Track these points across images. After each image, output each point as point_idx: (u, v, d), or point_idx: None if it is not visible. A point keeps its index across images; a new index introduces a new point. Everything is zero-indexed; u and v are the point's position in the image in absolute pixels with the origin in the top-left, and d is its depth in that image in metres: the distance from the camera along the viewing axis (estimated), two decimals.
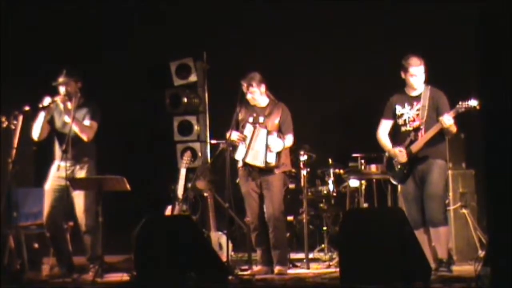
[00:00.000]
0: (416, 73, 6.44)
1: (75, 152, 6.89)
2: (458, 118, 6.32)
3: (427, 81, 6.51)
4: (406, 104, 6.52)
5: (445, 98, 6.45)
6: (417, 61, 6.43)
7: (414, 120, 6.46)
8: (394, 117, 6.58)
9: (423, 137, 6.38)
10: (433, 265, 6.10)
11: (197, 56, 9.06)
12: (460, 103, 6.23)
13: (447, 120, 6.24)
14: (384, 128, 6.65)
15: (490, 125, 4.07)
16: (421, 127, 6.41)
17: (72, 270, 6.88)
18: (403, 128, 6.53)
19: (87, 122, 6.97)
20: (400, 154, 6.47)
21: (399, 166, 6.52)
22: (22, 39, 8.81)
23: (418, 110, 6.44)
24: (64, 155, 6.77)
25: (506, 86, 3.96)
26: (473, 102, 6.14)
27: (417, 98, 6.49)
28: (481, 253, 6.79)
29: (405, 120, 6.52)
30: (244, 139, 6.87)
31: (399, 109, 6.55)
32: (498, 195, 4.01)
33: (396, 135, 6.59)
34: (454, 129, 6.34)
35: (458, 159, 7.54)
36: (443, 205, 6.49)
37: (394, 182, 6.86)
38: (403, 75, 6.51)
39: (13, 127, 6.83)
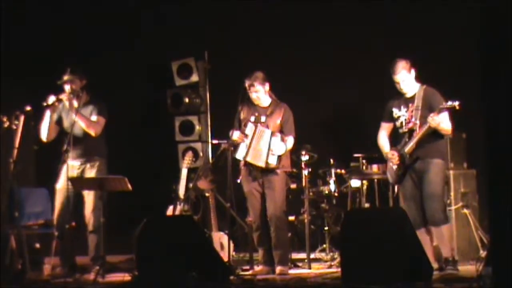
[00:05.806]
0: (397, 80, 6.45)
1: (85, 150, 6.93)
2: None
3: (423, 81, 6.49)
4: (402, 107, 6.53)
5: (438, 96, 6.40)
6: (396, 68, 6.41)
7: (409, 122, 6.47)
8: (393, 119, 6.60)
9: (414, 138, 6.38)
10: (435, 265, 6.10)
11: (198, 56, 9.05)
12: (443, 103, 6.23)
13: (431, 120, 6.24)
14: (384, 131, 6.69)
15: (492, 125, 4.07)
16: (415, 128, 6.41)
17: (74, 270, 6.88)
18: (400, 130, 6.55)
19: (94, 117, 7.00)
20: (392, 157, 6.50)
21: (394, 168, 6.54)
22: (22, 39, 8.81)
23: (412, 111, 6.44)
24: (66, 154, 6.79)
25: (508, 85, 3.96)
26: (454, 102, 6.12)
27: (412, 99, 6.48)
28: (483, 253, 6.79)
29: (401, 122, 6.53)
30: (245, 137, 6.86)
31: (395, 112, 6.57)
32: (499, 195, 4.01)
33: (396, 138, 6.61)
34: (445, 128, 6.31)
35: (460, 159, 7.53)
36: (442, 204, 6.48)
37: (391, 183, 6.86)
38: None
39: (14, 127, 6.84)
